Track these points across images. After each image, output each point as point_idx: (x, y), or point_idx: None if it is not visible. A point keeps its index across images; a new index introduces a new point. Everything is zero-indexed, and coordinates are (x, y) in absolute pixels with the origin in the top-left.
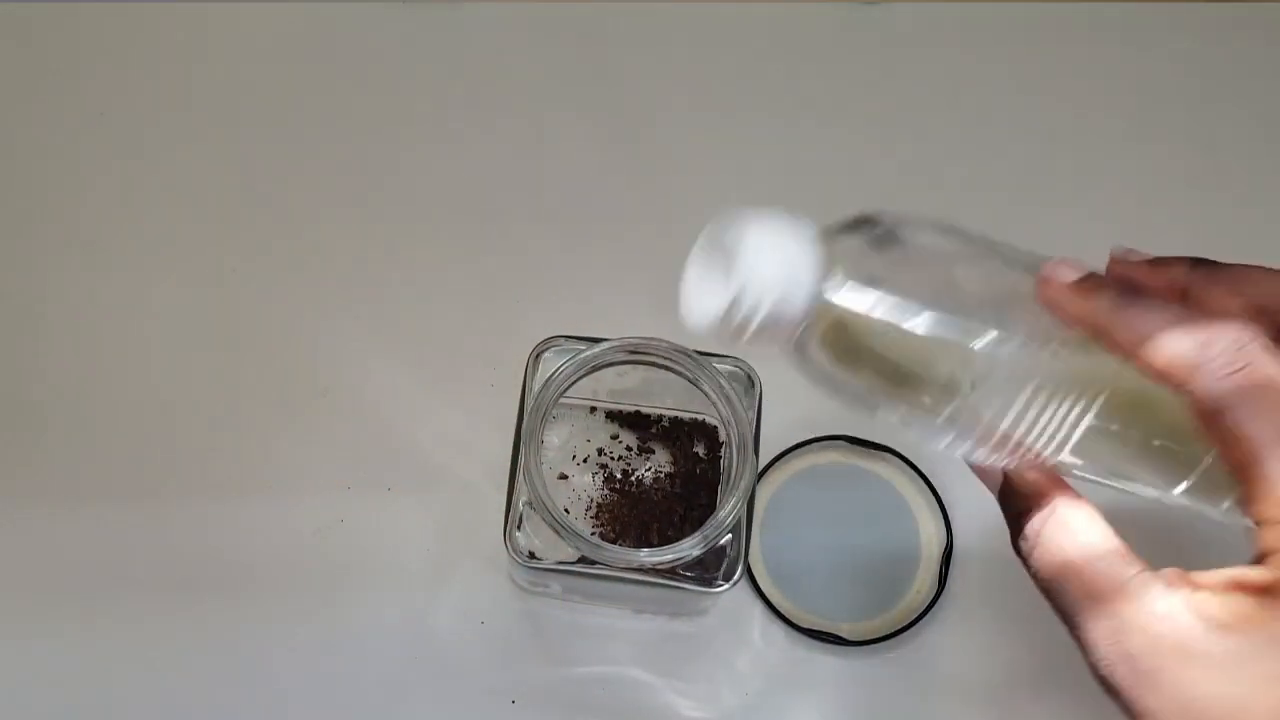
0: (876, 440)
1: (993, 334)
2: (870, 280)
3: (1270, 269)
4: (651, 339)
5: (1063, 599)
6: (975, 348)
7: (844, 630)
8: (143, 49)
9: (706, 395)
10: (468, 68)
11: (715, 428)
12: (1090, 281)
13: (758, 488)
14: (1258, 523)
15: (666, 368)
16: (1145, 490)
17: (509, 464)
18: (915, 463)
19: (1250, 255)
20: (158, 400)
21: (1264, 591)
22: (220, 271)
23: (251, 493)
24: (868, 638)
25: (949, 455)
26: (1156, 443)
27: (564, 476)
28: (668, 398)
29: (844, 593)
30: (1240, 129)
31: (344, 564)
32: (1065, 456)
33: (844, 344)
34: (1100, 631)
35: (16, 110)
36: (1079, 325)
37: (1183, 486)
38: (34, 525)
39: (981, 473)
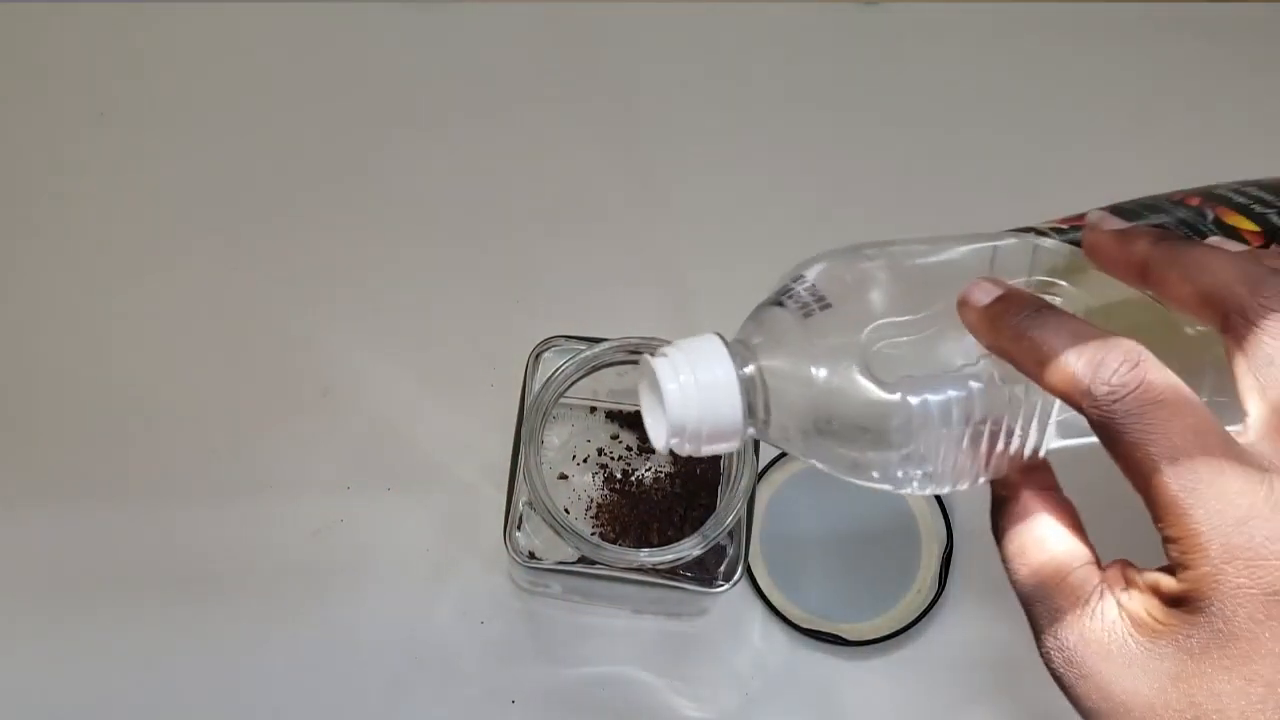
0: None
1: (917, 387)
2: (793, 363)
3: (1232, 253)
4: (651, 339)
5: (1021, 599)
6: (911, 401)
7: (844, 630)
8: (143, 49)
9: None
10: (468, 68)
11: None
12: (1000, 304)
13: (758, 488)
14: (1164, 540)
15: None
16: None
17: (509, 464)
18: None
19: None
20: (158, 400)
21: (1174, 602)
22: (220, 272)
23: (251, 493)
24: (868, 638)
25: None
26: None
27: (564, 476)
28: None
29: (844, 593)
30: (1242, 129)
31: (344, 564)
32: (1047, 448)
33: (794, 427)
34: (1044, 624)
35: (16, 110)
36: (992, 349)
37: None
38: (34, 525)
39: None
